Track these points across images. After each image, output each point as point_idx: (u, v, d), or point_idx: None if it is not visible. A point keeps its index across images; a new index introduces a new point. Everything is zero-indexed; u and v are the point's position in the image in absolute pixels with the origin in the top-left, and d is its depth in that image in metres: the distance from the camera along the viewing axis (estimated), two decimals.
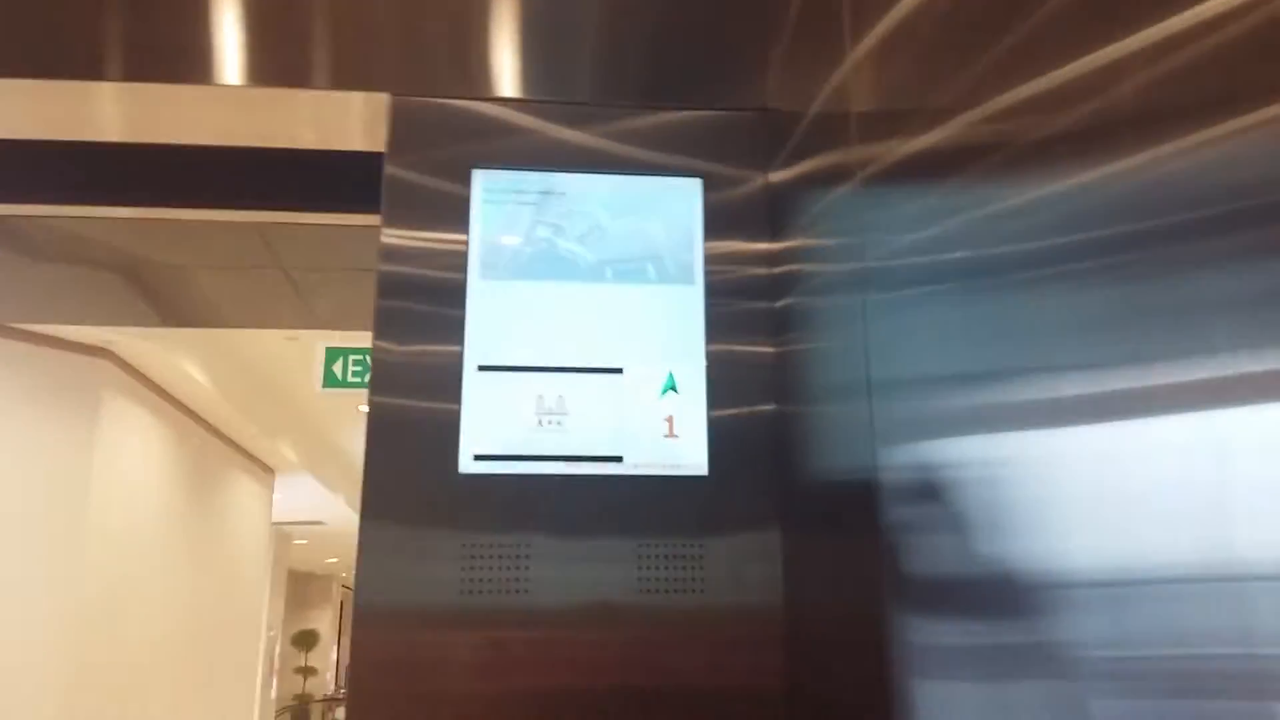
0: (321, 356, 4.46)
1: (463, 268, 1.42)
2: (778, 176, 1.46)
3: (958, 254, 0.89)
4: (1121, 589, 0.63)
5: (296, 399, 6.37)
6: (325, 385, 4.41)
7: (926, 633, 0.92)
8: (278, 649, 10.40)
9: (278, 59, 1.49)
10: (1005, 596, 0.78)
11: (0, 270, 2.36)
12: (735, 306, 1.45)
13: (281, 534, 10.45)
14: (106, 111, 1.58)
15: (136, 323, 3.14)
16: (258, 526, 8.12)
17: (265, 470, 8.23)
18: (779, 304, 1.43)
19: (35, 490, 4.65)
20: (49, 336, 4.72)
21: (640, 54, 1.56)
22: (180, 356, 5.28)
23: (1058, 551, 0.71)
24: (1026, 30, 0.79)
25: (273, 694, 10.23)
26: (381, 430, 1.36)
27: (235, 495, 7.41)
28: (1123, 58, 0.65)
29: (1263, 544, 0.51)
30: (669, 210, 1.48)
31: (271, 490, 8.48)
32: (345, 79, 1.48)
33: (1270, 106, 0.51)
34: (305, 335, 4.75)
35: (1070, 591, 0.70)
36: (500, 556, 1.33)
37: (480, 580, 1.32)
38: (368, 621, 1.30)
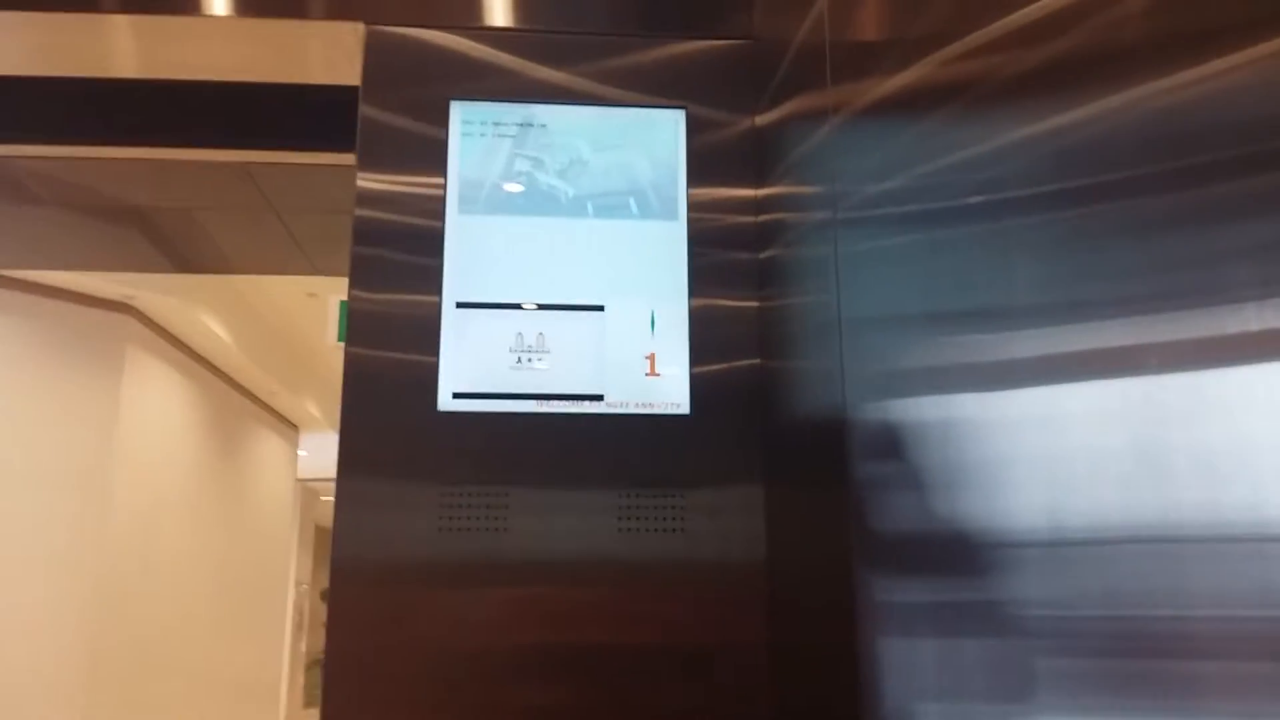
0: (336, 309, 4.46)
1: (440, 212, 1.39)
2: (764, 119, 1.41)
3: (922, 204, 0.85)
4: (1064, 549, 0.62)
5: (319, 355, 6.40)
6: (340, 339, 4.41)
7: (891, 590, 0.90)
8: (307, 604, 10.57)
9: None
10: (961, 554, 0.76)
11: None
12: (720, 257, 1.41)
13: (308, 490, 10.57)
14: (95, 46, 1.56)
15: (145, 268, 3.16)
16: (283, 482, 8.22)
17: (289, 427, 8.31)
18: (763, 255, 1.39)
19: (62, 445, 4.71)
20: (70, 291, 4.76)
21: None
22: (202, 312, 5.31)
23: (1007, 510, 0.69)
24: None
25: (303, 647, 10.41)
26: (359, 381, 1.33)
27: (260, 451, 7.49)
28: None
29: (1198, 506, 0.49)
30: (652, 143, 1.44)
31: (296, 447, 8.57)
32: (322, 8, 1.44)
33: (1256, 45, 0.47)
34: (324, 291, 4.75)
35: (1020, 551, 0.68)
36: (478, 505, 1.30)
37: (458, 530, 1.29)
38: (346, 576, 1.28)
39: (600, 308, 1.38)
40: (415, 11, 1.45)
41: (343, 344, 1.36)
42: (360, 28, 1.42)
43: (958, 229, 0.79)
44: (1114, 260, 0.57)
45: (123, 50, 1.55)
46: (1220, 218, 0.49)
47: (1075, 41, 0.63)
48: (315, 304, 5.45)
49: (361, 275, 1.36)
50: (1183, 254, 0.52)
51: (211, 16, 1.45)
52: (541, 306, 1.38)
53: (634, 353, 1.37)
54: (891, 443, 0.91)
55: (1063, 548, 0.62)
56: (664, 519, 1.33)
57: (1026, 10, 0.69)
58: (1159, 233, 0.54)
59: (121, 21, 1.47)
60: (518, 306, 1.37)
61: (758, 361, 1.38)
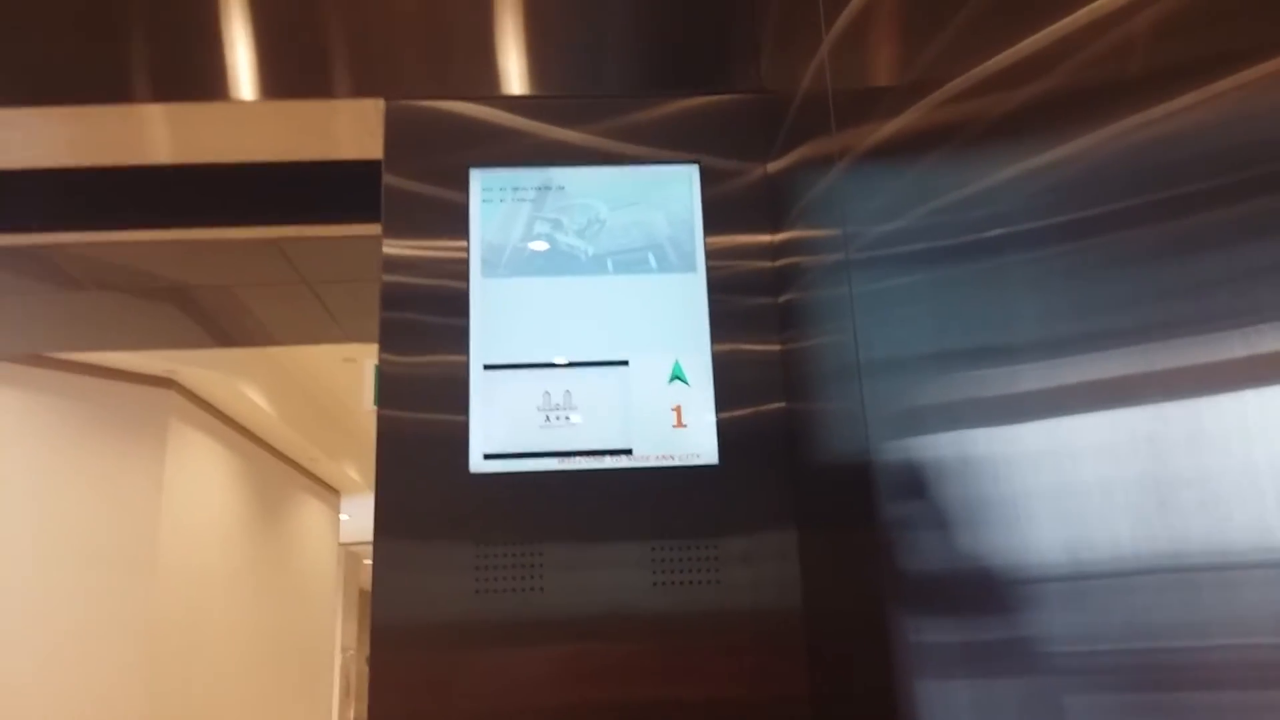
0: (371, 374, 4.53)
1: (465, 274, 1.42)
2: (775, 166, 1.44)
3: (926, 243, 0.87)
4: (1090, 583, 0.62)
5: (357, 419, 6.48)
6: (375, 403, 4.47)
7: (925, 631, 0.90)
8: (354, 669, 10.55)
9: (281, 72, 1.51)
10: (986, 592, 0.76)
11: (41, 301, 2.45)
12: (739, 303, 1.43)
13: (351, 555, 10.62)
14: (129, 134, 1.62)
15: (185, 344, 3.23)
16: (325, 548, 8.27)
17: (330, 492, 8.38)
18: (782, 299, 1.41)
19: (107, 522, 4.78)
20: (113, 369, 4.87)
21: (632, 42, 1.56)
22: (242, 383, 5.41)
23: (1027, 546, 0.70)
24: (979, 9, 0.77)
25: (351, 714, 10.38)
26: (391, 443, 1.36)
27: (302, 518, 7.55)
28: (1090, 23, 0.63)
29: (1206, 534, 0.50)
30: (667, 198, 1.47)
31: (338, 511, 8.63)
32: (344, 87, 1.50)
33: (1237, 74, 0.49)
34: (360, 356, 4.82)
35: (1041, 587, 0.68)
36: (513, 565, 1.31)
37: (495, 590, 1.30)
38: (386, 640, 1.29)
39: (625, 362, 1.40)
40: (432, 85, 1.50)
41: (377, 408, 1.39)
42: (380, 104, 1.47)
43: (960, 266, 0.80)
44: (1109, 292, 0.58)
45: (156, 137, 1.61)
46: (1210, 245, 0.50)
47: (1060, 79, 0.65)
48: (351, 369, 5.53)
49: (391, 339, 1.40)
50: (1176, 283, 0.53)
51: (240, 101, 1.51)
52: (567, 364, 1.40)
53: (660, 405, 1.39)
54: (914, 482, 0.91)
55: (1081, 581, 0.62)
56: (698, 570, 1.33)
57: (1012, 50, 0.71)
58: (1152, 262, 0.55)
59: (155, 111, 1.53)
60: (544, 365, 1.40)
61: (783, 405, 1.39)
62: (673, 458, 1.37)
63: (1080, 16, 0.63)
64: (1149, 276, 0.55)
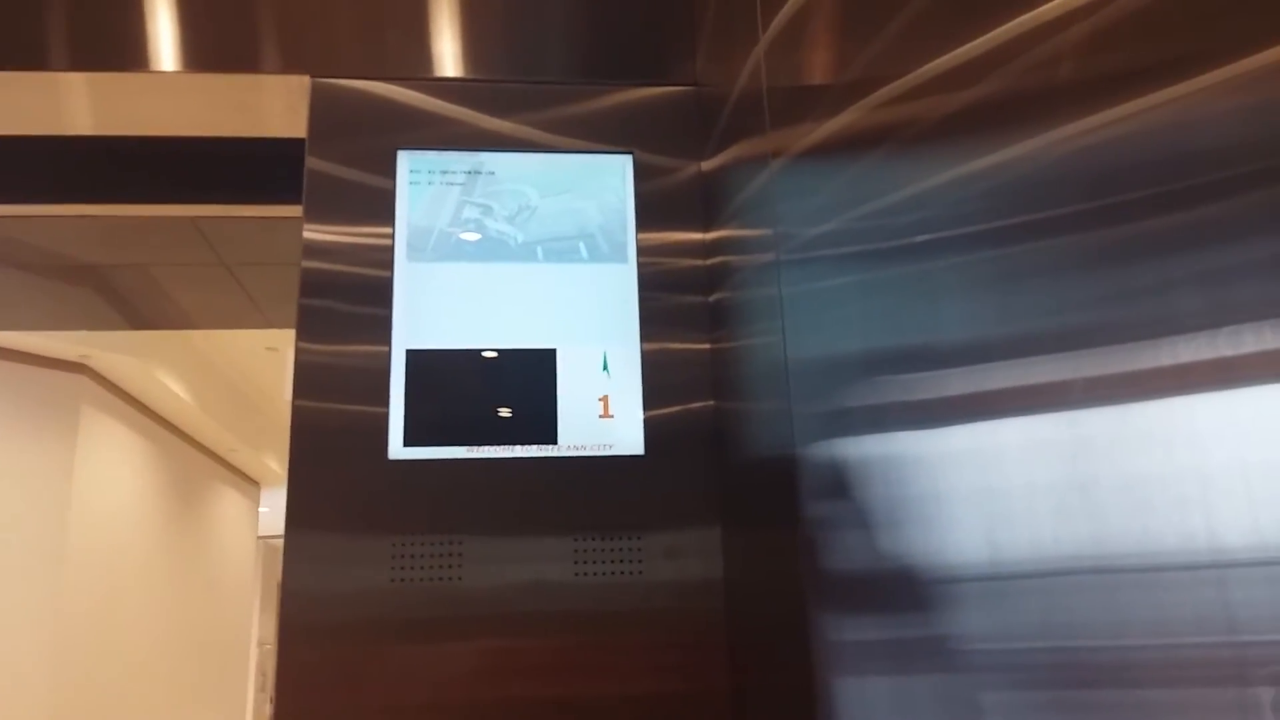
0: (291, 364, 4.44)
1: (389, 262, 1.39)
2: (709, 164, 1.44)
3: (858, 245, 0.87)
4: (1009, 583, 0.62)
5: (279, 410, 6.34)
6: None
7: (846, 629, 0.90)
8: (271, 664, 10.35)
9: (205, 44, 1.46)
10: (908, 590, 0.76)
11: None
12: (670, 300, 1.42)
13: (270, 548, 10.40)
14: (47, 103, 1.55)
15: (100, 326, 3.12)
16: (243, 540, 8.08)
17: (250, 483, 8.19)
18: (713, 298, 1.41)
19: (13, 509, 4.61)
20: (22, 352, 4.69)
21: (569, 30, 1.54)
22: (159, 369, 5.25)
23: (949, 546, 0.70)
24: (915, 13, 0.77)
25: (267, 709, 10.16)
26: (307, 434, 1.32)
27: (220, 509, 7.37)
28: (1017, 37, 0.63)
29: (1128, 535, 0.50)
30: (601, 188, 1.46)
31: (257, 503, 8.44)
32: (269, 62, 1.45)
33: (1173, 85, 0.49)
34: (284, 345, 4.72)
35: (961, 586, 0.68)
36: (431, 555, 1.29)
37: (410, 582, 1.27)
38: (295, 634, 1.25)
39: (552, 351, 1.39)
40: (361, 64, 1.46)
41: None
42: (306, 80, 1.43)
43: (891, 270, 0.80)
44: (1037, 297, 0.59)
45: (74, 108, 1.55)
46: (1136, 256, 0.50)
47: (996, 85, 0.65)
48: (275, 358, 5.40)
49: (309, 327, 1.36)
50: (1102, 290, 0.53)
51: (161, 72, 1.45)
52: (493, 351, 1.38)
53: (587, 395, 1.38)
54: (838, 481, 0.91)
55: (1000, 581, 0.62)
56: (621, 563, 1.32)
57: (950, 55, 0.71)
58: (1078, 270, 0.55)
59: (74, 79, 1.47)
60: (469, 351, 1.37)
61: (712, 403, 1.38)
62: (599, 448, 1.36)
63: (1016, 25, 0.63)
64: (1075, 283, 0.56)
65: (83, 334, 4.35)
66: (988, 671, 0.65)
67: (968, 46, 0.69)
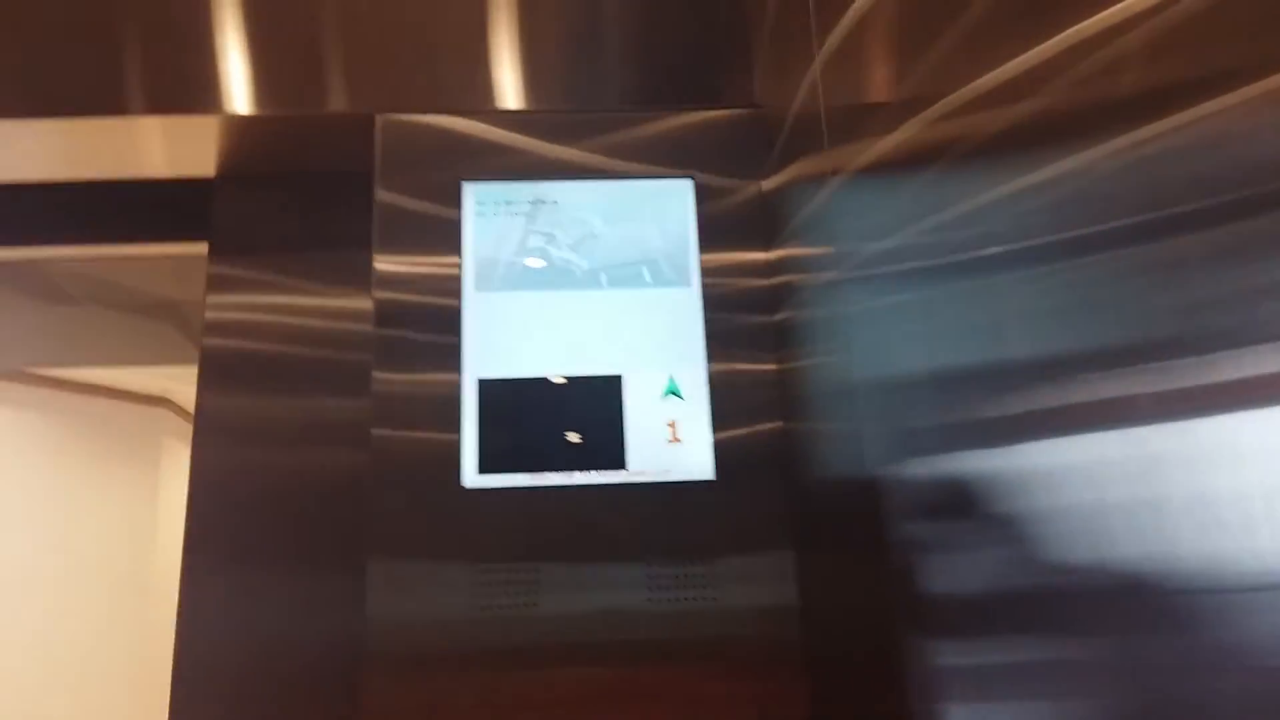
0: None
1: (458, 291, 1.42)
2: (770, 183, 1.44)
3: (919, 261, 0.87)
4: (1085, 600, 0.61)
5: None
6: None
7: (940, 655, 0.89)
8: None
9: (274, 84, 1.51)
10: (1009, 613, 0.75)
11: (34, 316, 2.45)
12: (735, 321, 1.43)
13: None
14: (124, 147, 1.62)
15: (179, 362, 3.22)
16: None
17: None
18: (778, 317, 1.41)
19: (102, 542, 4.75)
20: (105, 388, 4.84)
21: (626, 57, 1.56)
22: None
23: (1015, 564, 0.69)
24: (970, 26, 0.77)
25: None
26: (384, 463, 1.34)
27: None
28: (1079, 42, 0.63)
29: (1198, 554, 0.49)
30: (662, 213, 1.47)
31: None
32: (340, 100, 1.50)
33: (1228, 94, 0.49)
34: None
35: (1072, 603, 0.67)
36: (507, 583, 1.30)
37: (488, 610, 1.29)
38: (377, 663, 1.27)
39: (619, 377, 1.40)
40: (424, 98, 1.50)
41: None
42: (375, 117, 1.48)
43: (952, 285, 0.80)
44: (1103, 310, 0.58)
45: (150, 150, 1.61)
46: (1200, 267, 0.50)
47: (1054, 97, 0.65)
48: None
49: (386, 356, 1.39)
50: (1168, 302, 0.53)
51: (233, 114, 1.51)
52: (561, 378, 1.39)
53: (655, 420, 1.38)
54: (913, 502, 0.91)
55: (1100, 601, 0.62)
56: (694, 588, 1.32)
57: (1005, 68, 0.71)
58: (1143, 282, 0.55)
59: (150, 123, 1.53)
60: (538, 379, 1.39)
61: (780, 425, 1.38)
62: (668, 473, 1.36)
63: (1071, 35, 0.63)
64: (1140, 296, 0.55)
65: (164, 368, 4.49)
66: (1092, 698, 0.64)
67: (1024, 57, 0.69)
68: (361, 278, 1.55)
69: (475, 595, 1.29)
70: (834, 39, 1.10)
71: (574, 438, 1.37)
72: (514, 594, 1.30)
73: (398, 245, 1.43)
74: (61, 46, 1.52)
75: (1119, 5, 0.57)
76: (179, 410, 5.30)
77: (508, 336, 1.41)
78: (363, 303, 1.59)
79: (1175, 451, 0.51)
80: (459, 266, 1.43)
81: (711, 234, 1.46)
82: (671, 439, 1.38)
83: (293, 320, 1.63)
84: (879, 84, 0.99)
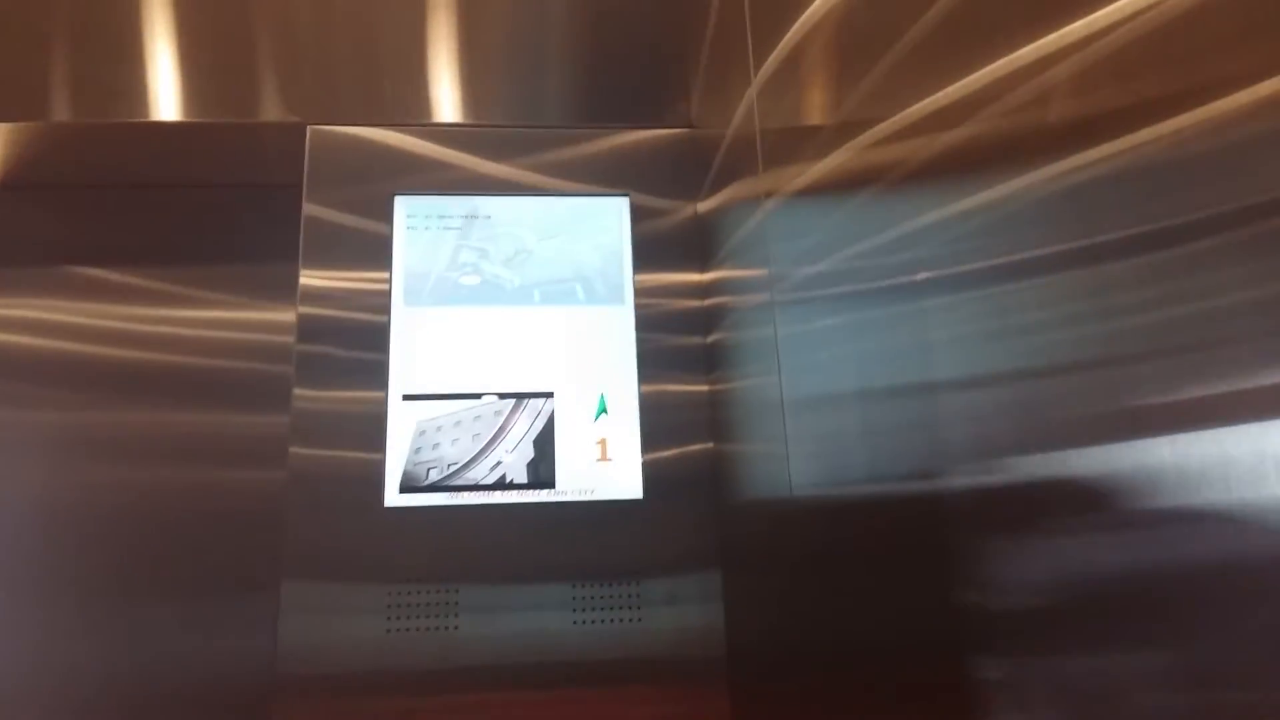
0: None
1: (387, 307, 1.39)
2: (705, 205, 1.44)
3: (853, 284, 0.87)
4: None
5: None
6: None
7: (865, 674, 0.89)
8: None
9: (206, 93, 1.47)
10: (938, 631, 0.75)
11: None
12: (667, 342, 1.42)
13: None
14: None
15: None
16: None
17: None
18: (710, 339, 1.41)
19: None
20: None
21: (565, 75, 1.56)
22: None
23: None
24: (904, 54, 0.78)
25: None
26: (302, 483, 1.31)
27: None
28: (995, 80, 0.63)
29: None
30: (597, 230, 1.46)
31: None
32: (271, 109, 1.47)
33: (1156, 124, 0.49)
34: None
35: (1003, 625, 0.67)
36: (427, 604, 1.27)
37: (408, 631, 1.26)
38: (289, 685, 1.23)
39: (549, 394, 1.38)
40: (358, 110, 1.48)
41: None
42: (305, 127, 1.45)
43: (883, 309, 0.80)
44: (1027, 335, 0.59)
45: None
46: (1125, 293, 0.50)
47: (983, 125, 0.65)
48: None
49: (307, 373, 1.35)
50: (1090, 330, 0.53)
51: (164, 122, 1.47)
52: (491, 395, 1.37)
53: (585, 438, 1.37)
54: (834, 523, 0.90)
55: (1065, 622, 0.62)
56: (621, 609, 1.30)
57: (937, 95, 0.72)
58: (1068, 305, 0.55)
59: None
60: (466, 395, 1.37)
61: (710, 446, 1.38)
62: (596, 492, 1.35)
63: (1003, 64, 0.63)
64: (1062, 321, 0.56)
65: None
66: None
67: (956, 85, 0.69)
68: (276, 291, 1.51)
69: (393, 617, 1.26)
70: (770, 64, 1.11)
71: (503, 455, 1.35)
72: (433, 615, 1.27)
73: (325, 259, 1.40)
74: None
75: (1049, 36, 0.58)
76: None
77: (437, 351, 1.38)
78: (276, 315, 1.55)
79: (1119, 474, 0.52)
80: (388, 281, 1.40)
81: (646, 254, 1.46)
82: (601, 457, 1.36)
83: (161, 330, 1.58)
84: (814, 109, 0.99)
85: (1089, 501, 0.53)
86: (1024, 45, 0.61)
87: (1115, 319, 0.51)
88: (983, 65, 0.66)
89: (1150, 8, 0.50)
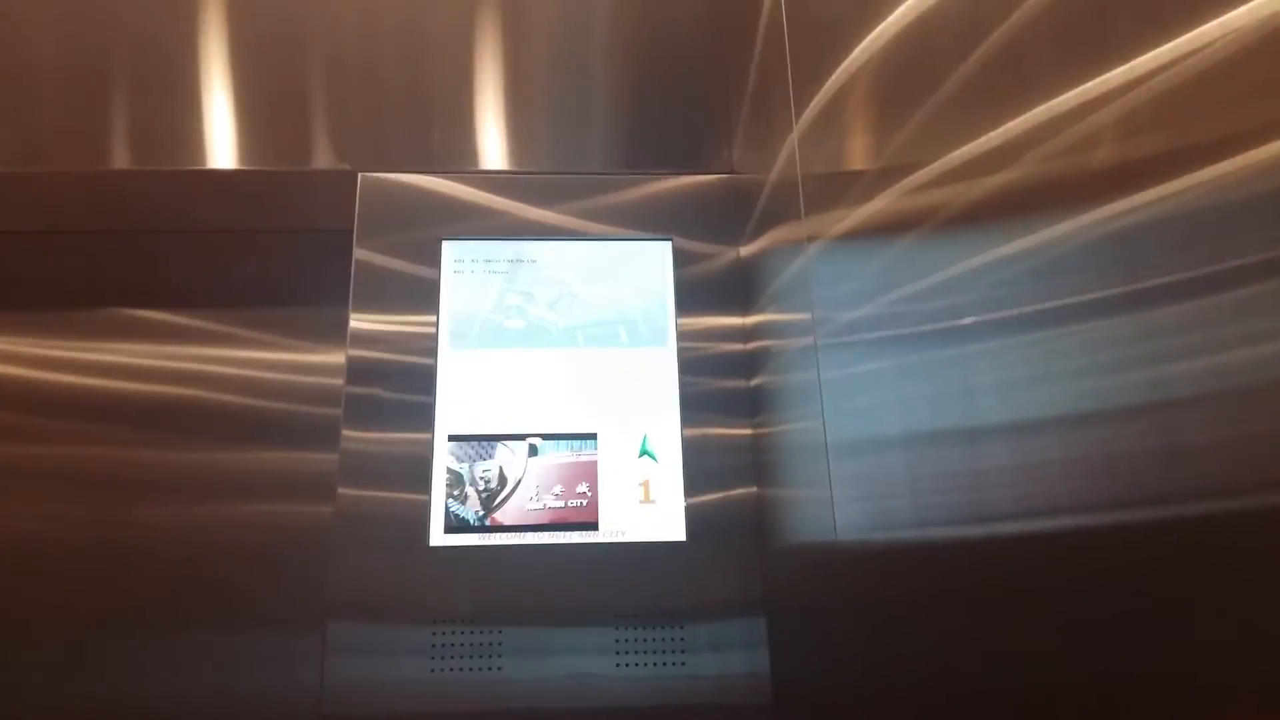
0: None
1: (434, 350, 1.41)
2: (747, 249, 1.45)
3: (894, 329, 0.87)
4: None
5: None
6: None
7: None
8: None
9: (260, 141, 1.52)
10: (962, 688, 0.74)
11: None
12: (710, 385, 1.43)
13: None
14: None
15: None
16: None
17: None
18: (753, 383, 1.41)
19: None
20: None
21: (609, 122, 1.58)
22: None
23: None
24: (946, 99, 0.79)
25: None
26: (348, 523, 1.33)
27: None
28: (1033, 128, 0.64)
29: None
30: (640, 273, 1.48)
31: None
32: (322, 158, 1.51)
33: (1199, 170, 0.49)
34: None
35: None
36: (470, 645, 1.28)
37: (449, 675, 1.26)
38: None
39: (593, 435, 1.39)
40: (407, 158, 1.51)
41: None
42: (357, 175, 1.48)
43: (927, 353, 0.80)
44: (1071, 380, 0.58)
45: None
46: (1171, 339, 0.50)
47: (1026, 170, 0.66)
48: None
49: (355, 415, 1.37)
50: (1136, 376, 0.53)
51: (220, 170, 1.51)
52: (535, 436, 1.38)
53: (628, 479, 1.37)
54: (880, 569, 0.90)
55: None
56: (664, 653, 1.30)
57: (979, 141, 0.72)
58: (1113, 352, 0.55)
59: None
60: (511, 437, 1.38)
61: (755, 490, 1.37)
62: (640, 533, 1.35)
63: (1045, 110, 0.64)
64: (1111, 365, 0.55)
65: None
66: None
67: (997, 131, 0.70)
68: (326, 335, 1.54)
69: (436, 657, 1.27)
70: (812, 110, 1.12)
71: (547, 496, 1.36)
72: (477, 656, 1.27)
73: (374, 303, 1.43)
74: (52, 100, 1.52)
75: (1092, 81, 0.58)
76: None
77: (482, 393, 1.40)
78: (325, 358, 1.58)
79: (1166, 520, 0.51)
80: (435, 325, 1.42)
81: (688, 298, 1.47)
82: (644, 499, 1.37)
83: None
84: (855, 154, 1.00)
85: (1139, 547, 0.52)
86: (1066, 90, 0.62)
87: (1161, 364, 0.51)
88: (1025, 110, 0.66)
89: (1193, 53, 0.50)
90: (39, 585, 1.46)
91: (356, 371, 1.39)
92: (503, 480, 1.36)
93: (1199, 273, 0.49)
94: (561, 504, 1.35)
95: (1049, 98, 0.64)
